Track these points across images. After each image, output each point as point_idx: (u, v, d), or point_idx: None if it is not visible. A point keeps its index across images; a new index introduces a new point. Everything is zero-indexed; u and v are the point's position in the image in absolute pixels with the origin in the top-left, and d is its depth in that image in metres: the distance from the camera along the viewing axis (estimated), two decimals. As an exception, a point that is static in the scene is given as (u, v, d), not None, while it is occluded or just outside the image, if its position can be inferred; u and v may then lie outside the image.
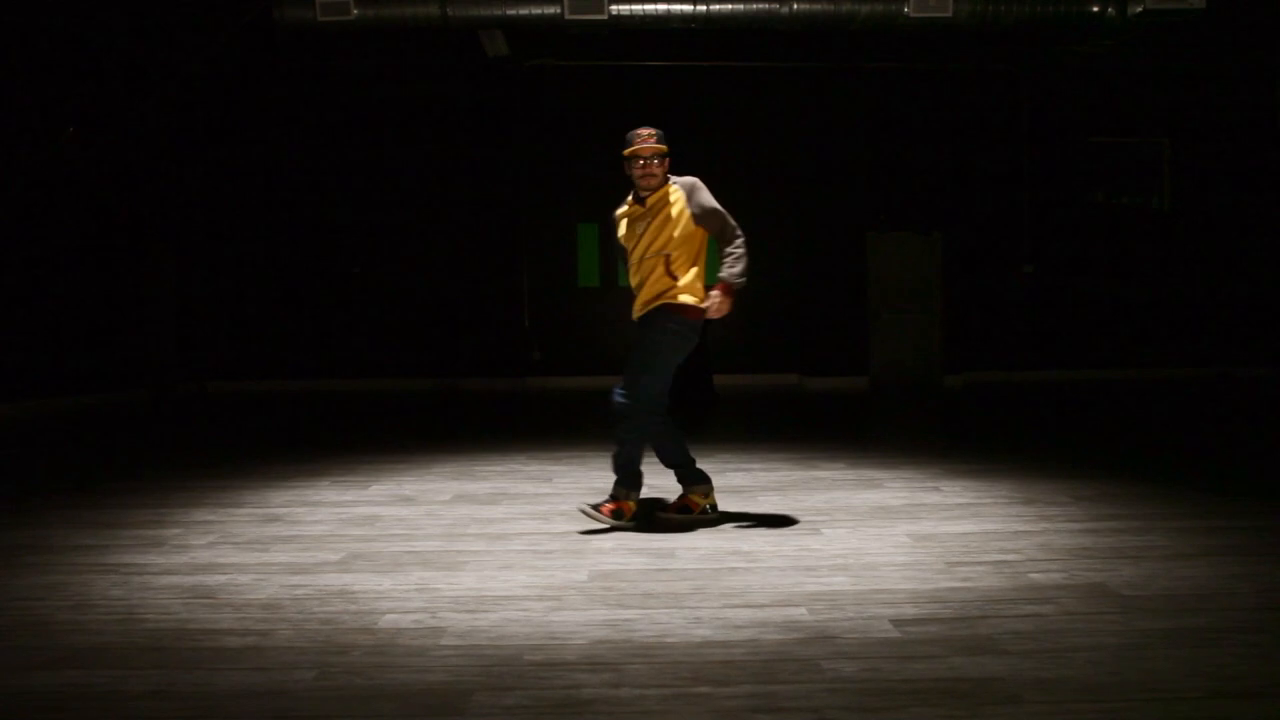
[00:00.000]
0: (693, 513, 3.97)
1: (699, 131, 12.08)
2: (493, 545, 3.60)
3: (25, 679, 2.29)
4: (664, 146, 3.82)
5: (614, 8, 9.08)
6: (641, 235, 3.85)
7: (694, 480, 4.00)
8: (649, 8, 9.12)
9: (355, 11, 8.95)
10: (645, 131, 3.85)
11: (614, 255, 4.22)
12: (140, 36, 10.72)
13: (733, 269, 3.76)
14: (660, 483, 4.81)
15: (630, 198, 3.97)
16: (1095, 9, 9.14)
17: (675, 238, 3.78)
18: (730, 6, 9.19)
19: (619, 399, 3.78)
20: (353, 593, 2.97)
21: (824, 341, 12.22)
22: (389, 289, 12.31)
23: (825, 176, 12.19)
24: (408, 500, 4.53)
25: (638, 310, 3.89)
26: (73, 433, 7.84)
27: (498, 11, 9.15)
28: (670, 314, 3.77)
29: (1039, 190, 12.40)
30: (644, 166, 3.80)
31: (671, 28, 9.46)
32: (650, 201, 3.84)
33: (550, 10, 9.11)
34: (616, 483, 3.92)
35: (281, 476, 5.20)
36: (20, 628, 2.67)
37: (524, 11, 9.14)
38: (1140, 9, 8.85)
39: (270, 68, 11.93)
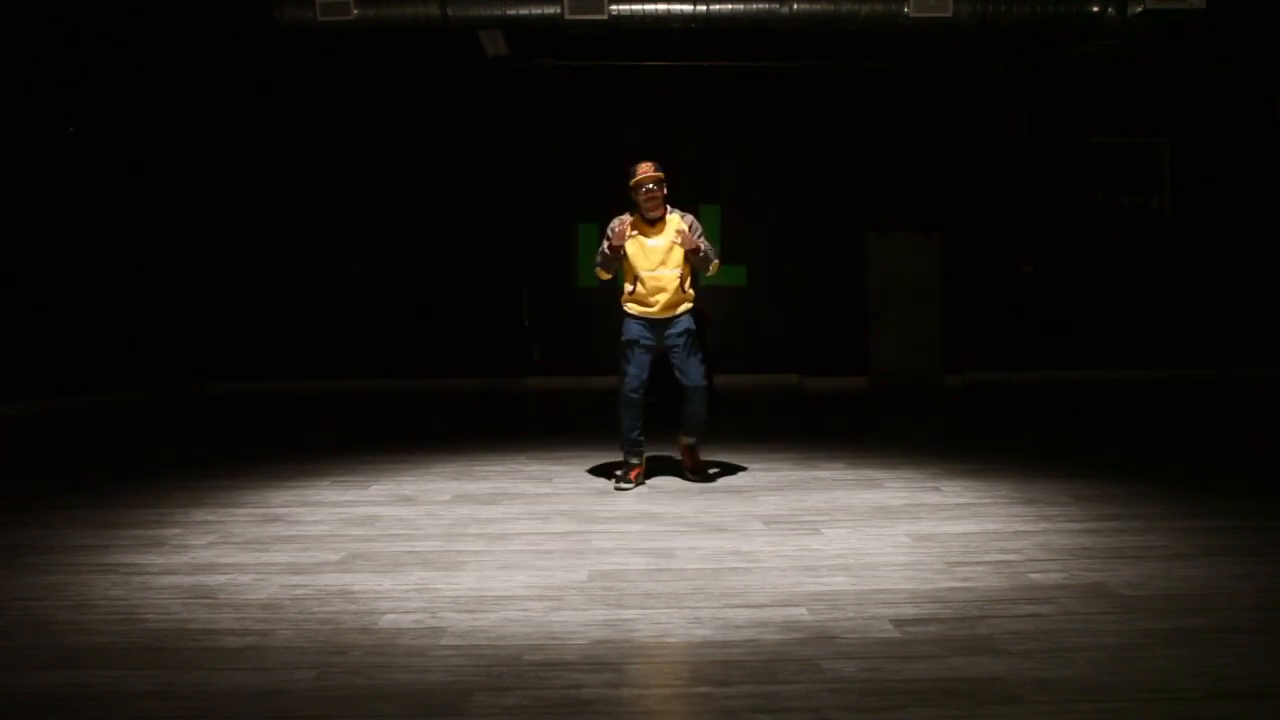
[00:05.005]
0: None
1: (698, 131, 12.10)
2: (493, 545, 3.60)
3: (25, 679, 2.29)
4: (662, 174, 4.60)
5: (614, 8, 9.07)
6: (655, 254, 4.63)
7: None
8: (649, 8, 9.11)
9: (355, 11, 8.94)
10: (646, 164, 4.61)
11: (608, 258, 4.54)
12: (140, 36, 10.71)
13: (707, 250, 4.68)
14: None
15: (636, 218, 4.67)
16: (1095, 9, 9.13)
17: (681, 260, 4.64)
18: (730, 6, 9.18)
19: (705, 383, 4.65)
20: (353, 593, 2.97)
21: (824, 341, 12.21)
22: (389, 288, 12.31)
23: (825, 176, 12.19)
24: (408, 500, 4.53)
25: (661, 312, 4.66)
26: (73, 432, 7.84)
27: (498, 11, 9.15)
28: (695, 316, 4.80)
29: (1039, 190, 12.40)
30: (649, 192, 4.57)
31: (671, 28, 9.45)
32: (658, 225, 4.63)
33: (550, 10, 9.10)
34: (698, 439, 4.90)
35: (281, 476, 5.20)
36: (20, 628, 2.67)
37: (524, 11, 9.13)
38: (1140, 9, 8.84)
39: (270, 68, 11.93)
